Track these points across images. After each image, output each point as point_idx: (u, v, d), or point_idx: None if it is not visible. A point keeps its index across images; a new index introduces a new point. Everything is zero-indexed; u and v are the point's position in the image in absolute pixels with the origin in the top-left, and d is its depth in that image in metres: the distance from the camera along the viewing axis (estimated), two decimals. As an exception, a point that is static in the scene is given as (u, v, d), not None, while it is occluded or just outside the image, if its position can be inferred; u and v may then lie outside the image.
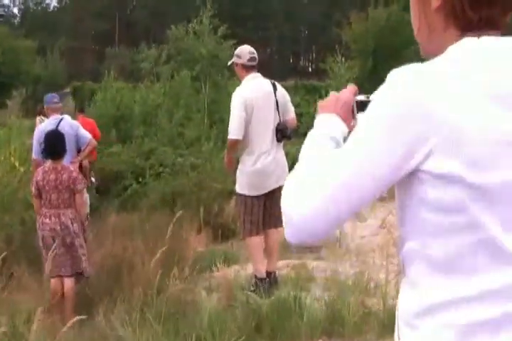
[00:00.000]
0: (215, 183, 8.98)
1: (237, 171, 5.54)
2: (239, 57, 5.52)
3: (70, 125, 7.16)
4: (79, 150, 7.28)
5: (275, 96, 5.42)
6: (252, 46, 5.74)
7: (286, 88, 5.87)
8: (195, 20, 16.41)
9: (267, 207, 5.37)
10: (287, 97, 5.62)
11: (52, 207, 5.61)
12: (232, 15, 44.68)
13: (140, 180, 10.31)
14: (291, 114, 5.60)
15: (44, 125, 7.41)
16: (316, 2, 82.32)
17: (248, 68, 5.49)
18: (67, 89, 44.21)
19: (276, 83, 5.58)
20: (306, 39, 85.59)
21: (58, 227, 5.58)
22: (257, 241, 5.36)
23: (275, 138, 5.37)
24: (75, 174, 5.66)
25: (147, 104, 15.87)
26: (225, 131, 13.12)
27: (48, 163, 5.72)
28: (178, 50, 17.13)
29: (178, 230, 7.10)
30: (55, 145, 5.70)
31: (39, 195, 5.66)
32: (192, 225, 7.28)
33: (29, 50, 38.03)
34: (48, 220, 5.60)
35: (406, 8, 13.72)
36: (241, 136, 5.25)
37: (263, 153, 5.32)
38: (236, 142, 5.32)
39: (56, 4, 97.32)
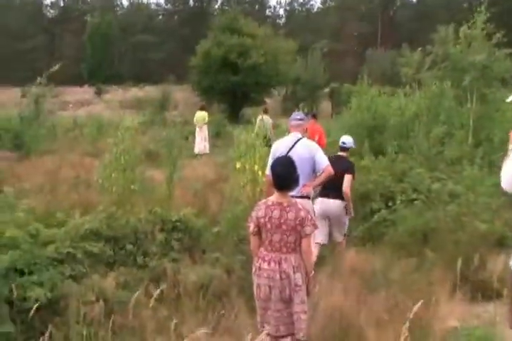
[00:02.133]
0: (479, 221, 7.44)
1: None
2: None
3: (307, 146, 6.53)
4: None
5: None
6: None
7: None
8: (466, 24, 14.66)
9: None
10: None
11: (274, 250, 4.62)
12: (507, 20, 40.99)
13: (390, 204, 9.09)
14: None
15: (280, 141, 6.82)
16: None
17: None
18: (326, 90, 44.46)
19: None
20: None
21: (278, 276, 4.56)
22: None
23: None
24: (303, 213, 4.57)
25: (404, 115, 14.61)
26: (493, 153, 11.53)
27: (274, 196, 4.71)
28: (444, 56, 15.49)
29: (426, 287, 5.81)
30: (284, 176, 4.67)
31: (258, 233, 4.71)
32: (444, 279, 5.91)
33: (290, 51, 38.47)
34: (266, 265, 4.61)
35: None
36: None
37: None
38: None
39: (320, 5, 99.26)
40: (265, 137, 16.66)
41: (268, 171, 6.05)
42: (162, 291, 5.74)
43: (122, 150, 9.90)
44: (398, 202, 8.80)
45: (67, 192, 10.60)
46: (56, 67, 17.47)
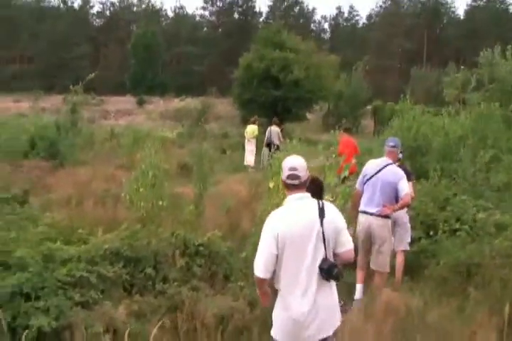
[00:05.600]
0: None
1: None
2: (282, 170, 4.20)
3: (393, 173, 7.02)
4: None
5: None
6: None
7: None
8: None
9: None
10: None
11: None
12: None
13: (431, 233, 8.52)
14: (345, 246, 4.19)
15: (372, 162, 7.36)
16: None
17: (289, 187, 4.19)
18: (369, 107, 43.72)
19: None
20: None
21: None
22: None
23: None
24: None
25: (448, 137, 13.97)
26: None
27: None
28: (491, 77, 14.86)
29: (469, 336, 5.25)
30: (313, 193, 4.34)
31: None
32: (489, 324, 5.32)
33: (333, 66, 37.78)
34: None
35: None
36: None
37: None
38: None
39: (365, 21, 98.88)
40: (270, 144, 19.00)
41: (358, 185, 7.30)
42: (177, 322, 5.31)
43: (150, 164, 9.54)
44: (440, 231, 8.21)
45: (94, 206, 10.25)
46: (92, 75, 17.32)
